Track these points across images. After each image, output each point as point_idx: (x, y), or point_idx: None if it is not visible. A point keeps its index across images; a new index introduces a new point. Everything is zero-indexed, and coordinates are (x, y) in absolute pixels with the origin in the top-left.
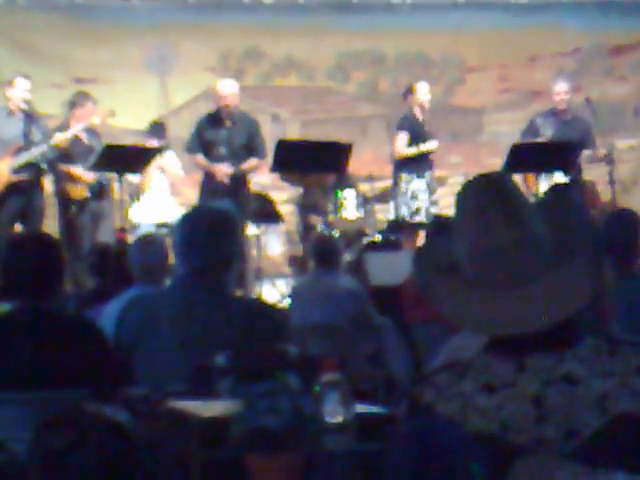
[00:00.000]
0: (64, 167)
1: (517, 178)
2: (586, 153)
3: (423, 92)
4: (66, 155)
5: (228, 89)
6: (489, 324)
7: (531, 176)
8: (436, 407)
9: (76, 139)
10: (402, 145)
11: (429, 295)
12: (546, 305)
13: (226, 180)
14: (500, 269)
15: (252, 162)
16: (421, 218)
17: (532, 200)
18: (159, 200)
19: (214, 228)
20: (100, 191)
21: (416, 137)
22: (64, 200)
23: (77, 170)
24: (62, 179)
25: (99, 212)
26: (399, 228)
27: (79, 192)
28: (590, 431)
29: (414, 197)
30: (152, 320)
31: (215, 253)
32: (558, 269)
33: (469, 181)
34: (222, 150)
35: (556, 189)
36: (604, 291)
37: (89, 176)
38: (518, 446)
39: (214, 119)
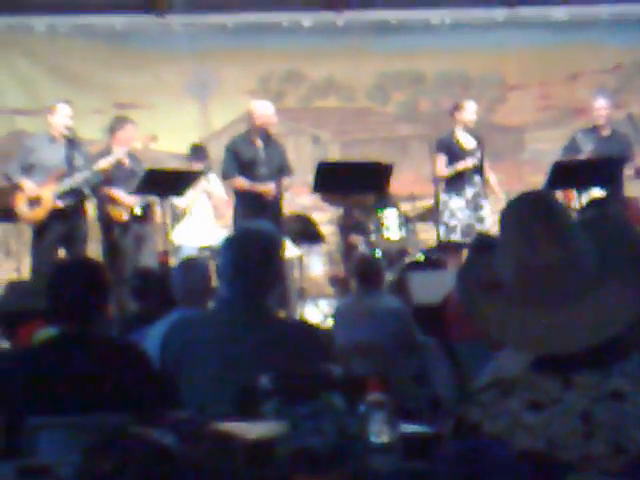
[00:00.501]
0: (107, 190)
1: (558, 194)
2: (627, 169)
3: (470, 111)
4: (109, 179)
5: (262, 110)
6: (534, 342)
7: (571, 192)
8: (482, 426)
9: (119, 163)
10: (441, 166)
11: (472, 312)
12: (591, 324)
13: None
14: (545, 287)
15: (286, 182)
16: (457, 236)
17: (573, 216)
18: (202, 223)
19: (260, 251)
20: (143, 214)
21: (453, 157)
22: (107, 223)
23: (120, 194)
24: (105, 202)
25: (142, 235)
26: (445, 248)
27: (122, 215)
28: (639, 447)
29: (452, 215)
30: (196, 342)
31: (261, 276)
32: (603, 287)
33: (513, 199)
34: (262, 170)
35: (594, 204)
36: None
37: (131, 200)
38: (566, 463)
39: (248, 140)
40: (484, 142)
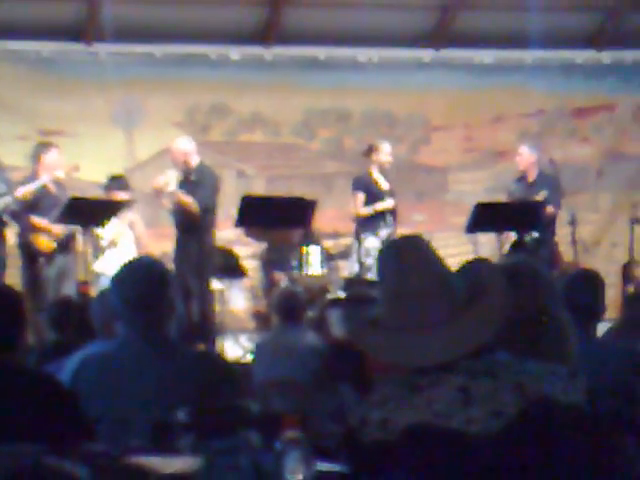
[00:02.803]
0: (32, 219)
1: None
2: (550, 211)
3: (385, 152)
4: (34, 207)
5: (179, 146)
6: (408, 360)
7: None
8: (371, 414)
9: (44, 191)
10: (359, 205)
11: (358, 342)
12: (446, 345)
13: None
14: (414, 312)
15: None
16: (372, 275)
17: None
18: (124, 254)
19: (152, 284)
20: (67, 244)
21: (371, 196)
22: (30, 252)
23: (44, 222)
24: (28, 231)
25: (65, 266)
26: (355, 285)
27: (47, 245)
28: (513, 412)
29: (367, 254)
30: (106, 377)
31: (156, 309)
32: (462, 315)
33: (389, 241)
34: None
35: (518, 246)
36: (555, 340)
37: (58, 229)
38: (451, 429)
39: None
40: (399, 184)
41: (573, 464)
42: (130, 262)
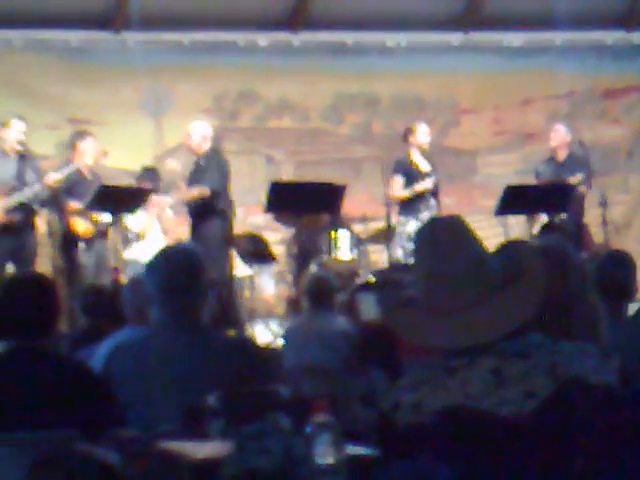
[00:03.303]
0: (70, 204)
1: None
2: (581, 191)
3: (423, 133)
4: (69, 193)
5: (194, 132)
6: (443, 342)
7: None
8: (403, 398)
9: (79, 178)
10: (397, 188)
11: (392, 324)
12: (486, 326)
13: None
14: (450, 293)
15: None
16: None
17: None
18: (153, 241)
19: (183, 270)
20: (106, 231)
21: (410, 179)
22: (68, 238)
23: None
24: (67, 216)
25: (103, 252)
26: (398, 269)
27: (86, 229)
28: (547, 393)
29: (410, 239)
30: (139, 363)
31: (191, 294)
32: (499, 296)
33: (425, 223)
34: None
35: (549, 228)
36: (585, 322)
37: (96, 214)
38: (483, 411)
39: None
40: (437, 166)
41: (604, 445)
42: (165, 249)
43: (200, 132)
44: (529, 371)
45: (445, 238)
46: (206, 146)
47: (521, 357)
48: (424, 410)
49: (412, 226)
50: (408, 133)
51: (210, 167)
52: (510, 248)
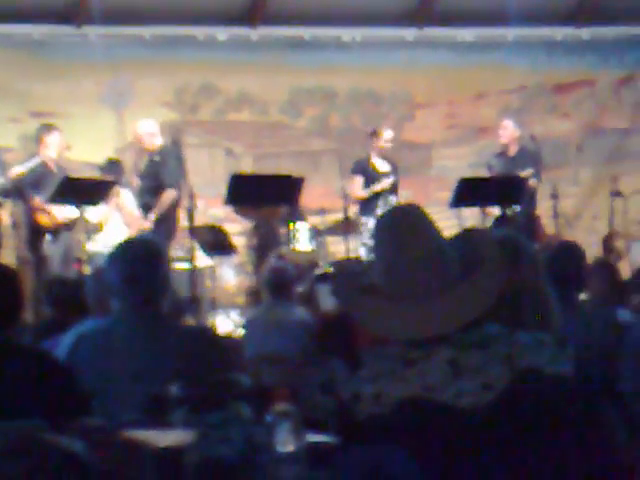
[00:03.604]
0: (34, 199)
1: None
2: (532, 184)
3: (384, 139)
4: (35, 185)
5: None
6: (402, 332)
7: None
8: (364, 389)
9: (46, 170)
10: (357, 188)
11: (352, 311)
12: (446, 316)
13: None
14: (410, 283)
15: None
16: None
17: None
18: (115, 234)
19: (144, 262)
20: (72, 222)
21: (369, 180)
22: (34, 229)
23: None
24: (32, 209)
25: (70, 243)
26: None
27: (51, 222)
28: (503, 385)
29: (364, 234)
30: (102, 353)
31: (151, 285)
32: (460, 285)
33: (385, 211)
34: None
35: (502, 220)
36: (537, 311)
37: (58, 213)
38: (440, 402)
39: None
40: (397, 165)
41: (559, 434)
42: (125, 241)
43: (146, 130)
44: (486, 362)
45: (404, 226)
46: (157, 142)
47: (478, 348)
48: (384, 401)
49: (371, 223)
50: (372, 135)
51: (166, 161)
52: (467, 237)
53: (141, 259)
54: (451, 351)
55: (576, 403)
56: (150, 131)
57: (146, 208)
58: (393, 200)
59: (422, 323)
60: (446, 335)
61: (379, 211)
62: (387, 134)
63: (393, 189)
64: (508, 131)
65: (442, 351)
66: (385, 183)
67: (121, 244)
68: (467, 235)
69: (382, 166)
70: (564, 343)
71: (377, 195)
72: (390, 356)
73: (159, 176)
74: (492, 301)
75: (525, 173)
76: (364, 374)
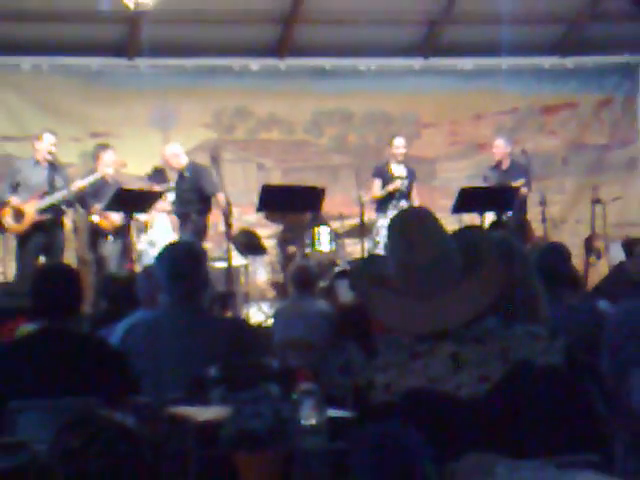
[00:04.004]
0: (95, 207)
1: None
2: (523, 192)
3: (396, 146)
4: (95, 195)
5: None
6: (412, 326)
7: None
8: (377, 379)
9: (103, 183)
10: (375, 189)
11: (366, 303)
12: (454, 312)
13: None
14: (420, 282)
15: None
16: (380, 251)
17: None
18: (162, 236)
19: (188, 262)
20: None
21: (385, 182)
22: (94, 233)
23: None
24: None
25: (126, 244)
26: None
27: (110, 225)
28: (498, 376)
29: (378, 233)
30: (150, 340)
31: (193, 281)
32: (463, 285)
33: (397, 213)
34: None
35: (497, 224)
36: (528, 304)
37: (117, 216)
38: (443, 392)
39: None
40: (414, 172)
41: (550, 420)
42: (171, 243)
43: (172, 152)
44: (483, 356)
45: (415, 228)
46: (183, 161)
47: (476, 343)
48: (394, 390)
49: (381, 222)
50: (388, 145)
51: (200, 175)
52: (466, 235)
53: (185, 259)
54: (453, 346)
55: (564, 390)
56: (175, 152)
57: (181, 217)
58: (405, 203)
59: (429, 319)
60: (446, 331)
61: (390, 212)
62: (398, 141)
63: (407, 193)
64: (500, 149)
65: (445, 346)
66: (397, 183)
67: (168, 246)
68: (466, 233)
69: (398, 170)
70: (555, 335)
71: (391, 197)
72: (400, 347)
73: (197, 187)
74: (493, 299)
75: (518, 183)
76: (378, 363)
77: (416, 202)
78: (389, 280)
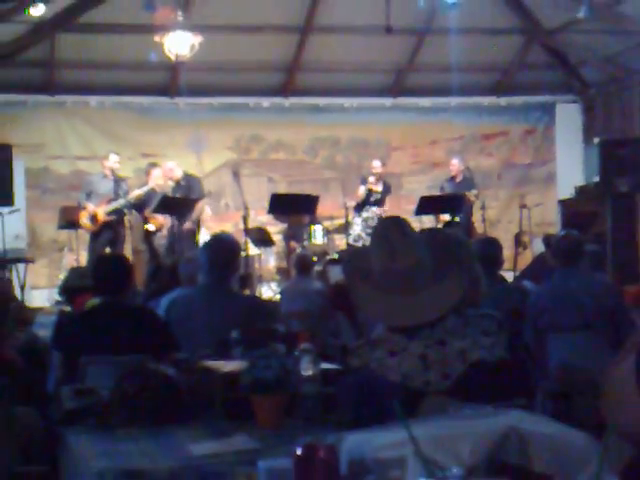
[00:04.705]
0: (147, 210)
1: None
2: (471, 200)
3: (372, 167)
4: (147, 202)
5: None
6: (392, 318)
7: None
8: (361, 369)
9: (152, 193)
10: (359, 193)
11: (352, 292)
12: (428, 307)
13: None
14: (400, 282)
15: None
16: (355, 242)
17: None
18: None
19: (225, 252)
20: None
21: (366, 189)
22: (147, 231)
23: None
24: (146, 217)
25: (176, 238)
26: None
27: (158, 224)
28: (457, 374)
29: (352, 228)
30: (188, 311)
31: (228, 268)
32: (437, 282)
33: (380, 219)
34: None
35: (449, 225)
36: (472, 285)
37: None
38: (413, 388)
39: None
40: (390, 187)
41: (493, 390)
42: (215, 235)
43: (168, 167)
44: (446, 356)
45: (396, 236)
46: (178, 174)
47: (440, 345)
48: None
49: (357, 221)
50: (368, 165)
51: (193, 184)
52: (436, 237)
53: (224, 250)
54: (422, 347)
55: (509, 378)
56: (170, 167)
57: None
58: (374, 209)
59: (408, 312)
60: (416, 330)
61: (364, 214)
62: (375, 163)
63: (381, 200)
64: (456, 166)
65: (415, 346)
66: (362, 190)
67: (211, 237)
68: (435, 234)
69: (374, 184)
70: (502, 325)
71: (363, 203)
72: (378, 345)
73: (189, 193)
74: (462, 294)
75: (472, 193)
76: (360, 350)
77: (386, 207)
78: (372, 274)
